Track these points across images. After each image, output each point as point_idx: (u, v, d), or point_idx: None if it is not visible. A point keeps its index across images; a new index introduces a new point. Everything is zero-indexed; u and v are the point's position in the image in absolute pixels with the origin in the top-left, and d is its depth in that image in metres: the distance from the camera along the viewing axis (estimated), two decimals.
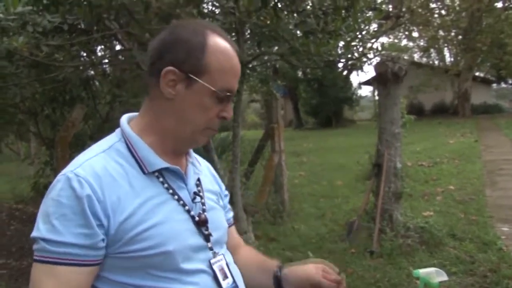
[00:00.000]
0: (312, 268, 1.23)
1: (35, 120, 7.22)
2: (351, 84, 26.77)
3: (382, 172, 5.19)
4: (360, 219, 5.36)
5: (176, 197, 1.08)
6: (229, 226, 1.32)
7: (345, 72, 25.92)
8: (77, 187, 0.97)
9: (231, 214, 1.38)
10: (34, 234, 0.98)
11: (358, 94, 28.49)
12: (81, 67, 4.98)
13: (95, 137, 9.66)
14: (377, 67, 5.27)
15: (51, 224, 0.96)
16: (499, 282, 3.86)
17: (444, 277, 1.36)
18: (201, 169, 1.23)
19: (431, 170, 9.24)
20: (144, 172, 1.06)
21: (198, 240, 1.09)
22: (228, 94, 1.07)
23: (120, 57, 5.83)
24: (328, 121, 25.05)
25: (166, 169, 1.09)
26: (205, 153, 5.40)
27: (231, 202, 4.89)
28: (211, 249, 1.12)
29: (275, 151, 6.89)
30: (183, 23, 1.17)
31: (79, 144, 8.33)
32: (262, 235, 5.82)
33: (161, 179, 1.08)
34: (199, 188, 1.17)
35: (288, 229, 6.09)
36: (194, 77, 1.04)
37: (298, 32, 4.36)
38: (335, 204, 7.26)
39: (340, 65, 22.27)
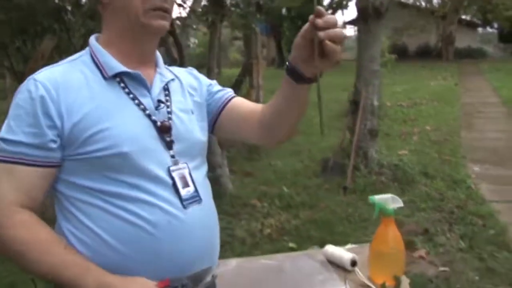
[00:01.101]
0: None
1: (6, 53, 6.94)
2: None
3: (359, 110, 5.18)
4: (336, 155, 5.39)
5: (136, 101, 1.07)
6: (229, 101, 1.24)
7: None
8: (33, 90, 1.00)
9: (224, 91, 1.27)
10: None
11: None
12: None
13: None
14: (358, 2, 5.13)
15: (9, 125, 1.01)
16: (464, 218, 3.97)
17: (399, 204, 1.36)
18: (171, 78, 1.18)
19: (410, 111, 9.29)
20: (104, 77, 1.06)
21: (158, 146, 1.07)
22: None
23: None
24: None
25: (128, 74, 1.07)
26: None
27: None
28: (172, 156, 1.09)
29: (253, 87, 6.81)
30: None
31: None
32: (238, 170, 5.84)
33: (122, 85, 1.07)
34: (167, 97, 1.14)
35: (264, 165, 6.13)
36: None
37: None
38: (312, 141, 7.27)
39: (325, 3, 21.70)
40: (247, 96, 7.02)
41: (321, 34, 0.90)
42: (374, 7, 5.06)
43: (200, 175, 1.16)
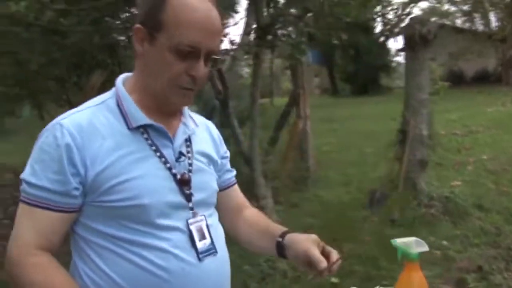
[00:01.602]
0: (314, 239, 1.20)
1: (64, 87, 7.33)
2: (388, 51, 25.96)
3: (407, 140, 5.03)
4: (383, 187, 5.24)
5: (158, 153, 1.09)
6: (230, 186, 1.34)
7: (382, 39, 25.14)
8: (59, 136, 1.02)
9: (231, 174, 1.36)
10: (21, 175, 1.04)
11: (396, 61, 27.62)
12: (93, 33, 4.94)
13: None
14: (404, 30, 5.04)
15: (33, 168, 1.03)
16: None
17: (424, 248, 1.27)
18: (194, 129, 1.21)
19: (465, 139, 8.91)
20: (129, 127, 1.08)
21: (178, 199, 1.09)
22: (191, 49, 1.04)
23: None
24: (364, 88, 24.48)
25: (151, 126, 1.10)
26: (225, 118, 5.36)
27: (251, 168, 4.89)
28: (191, 209, 1.11)
29: (299, 117, 6.79)
30: None
31: None
32: (284, 201, 5.79)
33: (145, 135, 1.09)
34: (188, 148, 1.16)
35: (311, 196, 6.05)
36: (154, 33, 1.04)
37: None
38: (362, 171, 7.13)
39: (377, 30, 21.59)
40: (294, 126, 7.01)
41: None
42: (421, 35, 4.96)
43: (215, 221, 1.20)
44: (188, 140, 1.18)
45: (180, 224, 1.08)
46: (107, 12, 5.28)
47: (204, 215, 1.14)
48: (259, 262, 4.04)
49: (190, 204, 1.11)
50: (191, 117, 1.23)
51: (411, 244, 1.28)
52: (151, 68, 1.07)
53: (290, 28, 5.05)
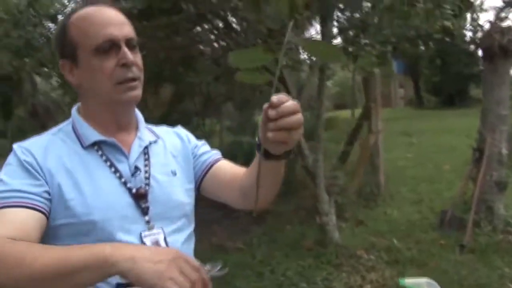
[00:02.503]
0: None
1: (145, 102, 7.69)
2: (477, 60, 24.46)
3: (483, 159, 4.71)
4: (455, 208, 4.93)
5: (113, 169, 1.11)
6: (213, 164, 1.28)
7: (471, 47, 23.74)
8: (19, 153, 1.06)
9: (209, 154, 1.31)
10: None
11: None
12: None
13: (200, 113, 10.06)
14: (482, 40, 4.73)
15: (1, 181, 1.03)
16: None
17: None
18: (154, 141, 1.22)
19: None
20: (83, 146, 1.11)
21: (133, 213, 1.09)
22: (108, 43, 1.06)
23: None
24: (450, 100, 23.31)
25: (104, 142, 1.12)
26: None
27: (314, 183, 4.80)
28: (147, 222, 1.10)
29: (371, 131, 6.58)
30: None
31: (185, 120, 8.74)
32: (350, 218, 5.63)
33: (99, 152, 1.11)
34: (146, 161, 1.16)
35: (379, 214, 5.83)
36: (73, 55, 1.09)
37: None
38: (436, 189, 6.76)
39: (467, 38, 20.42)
40: (365, 140, 6.81)
41: (271, 125, 0.87)
42: (500, 46, 4.63)
43: (180, 238, 1.15)
44: (146, 154, 1.18)
45: (135, 238, 1.06)
46: (181, 27, 5.47)
47: (161, 228, 1.11)
48: (316, 281, 3.97)
49: (147, 218, 1.10)
50: (151, 130, 1.25)
51: (422, 286, 1.18)
52: (90, 85, 1.10)
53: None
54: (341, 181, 6.04)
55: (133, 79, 1.10)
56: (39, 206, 1.01)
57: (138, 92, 1.12)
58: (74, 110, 1.19)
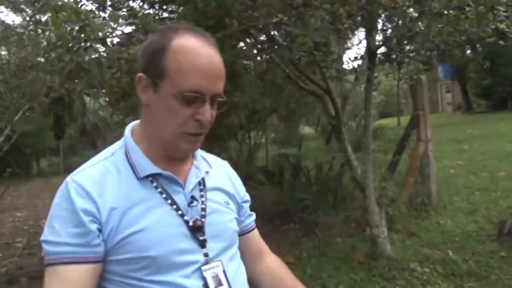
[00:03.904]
0: None
1: None
2: None
3: None
4: None
5: (169, 201, 1.08)
6: (251, 231, 1.32)
7: None
8: (71, 190, 1.03)
9: (251, 218, 1.34)
10: (41, 238, 1.03)
11: None
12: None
13: (246, 127, 10.12)
14: None
15: (52, 227, 1.02)
16: None
17: None
18: (209, 171, 1.21)
19: None
20: (137, 177, 1.08)
21: (191, 246, 1.08)
22: (196, 95, 1.03)
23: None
24: (502, 103, 22.43)
25: (160, 174, 1.10)
26: (338, 142, 5.27)
27: (364, 195, 4.73)
28: (206, 255, 1.09)
29: (420, 139, 6.43)
30: (162, 27, 1.15)
31: (231, 134, 8.81)
32: (402, 229, 5.50)
33: (154, 184, 1.09)
34: (202, 192, 1.15)
35: (432, 224, 5.66)
36: (157, 81, 1.05)
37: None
38: (492, 198, 6.50)
39: None
40: (414, 150, 6.66)
41: None
42: None
43: (235, 265, 1.16)
44: (201, 184, 1.16)
45: (194, 273, 1.06)
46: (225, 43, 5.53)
47: (220, 261, 1.11)
48: None
49: (205, 250, 1.09)
50: (204, 159, 1.23)
51: None
52: (157, 116, 1.07)
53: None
54: (391, 192, 5.91)
55: (200, 134, 1.09)
56: (91, 258, 1.01)
57: (197, 146, 1.13)
58: (128, 133, 1.15)
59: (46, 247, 1.01)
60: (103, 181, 1.05)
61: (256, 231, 1.35)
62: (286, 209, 7.06)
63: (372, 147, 5.84)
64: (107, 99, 7.68)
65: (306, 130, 17.14)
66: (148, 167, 1.09)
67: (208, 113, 1.06)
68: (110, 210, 1.02)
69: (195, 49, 1.04)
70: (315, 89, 5.22)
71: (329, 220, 6.25)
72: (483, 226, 5.31)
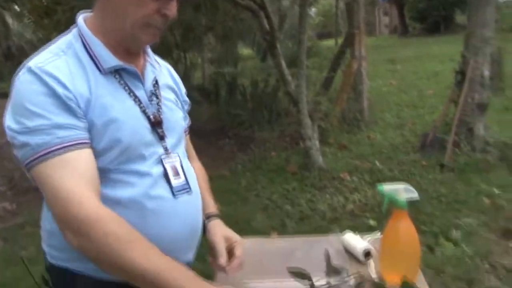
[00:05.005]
0: (227, 236, 1.23)
1: None
2: None
3: (465, 81, 4.73)
4: (436, 130, 5.01)
5: (132, 96, 1.08)
6: (186, 133, 1.33)
7: None
8: (46, 77, 0.95)
9: (187, 120, 1.34)
10: (17, 137, 0.94)
11: None
12: None
13: (181, 46, 9.82)
14: None
15: (30, 112, 0.93)
16: None
17: (414, 195, 1.19)
18: (159, 69, 1.20)
19: None
20: (101, 71, 1.04)
21: (153, 139, 1.09)
22: None
23: None
24: (436, 27, 23.03)
25: (123, 69, 1.07)
26: (273, 58, 5.26)
27: (297, 109, 4.81)
28: (165, 148, 1.11)
29: (354, 57, 6.53)
30: None
31: (165, 53, 8.53)
32: (334, 143, 5.72)
33: (117, 78, 1.06)
34: (156, 89, 1.15)
35: (363, 138, 5.92)
36: None
37: None
38: (419, 114, 6.85)
39: None
40: (348, 67, 6.78)
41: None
42: None
43: (188, 166, 1.20)
44: (155, 80, 1.15)
45: (155, 163, 1.08)
46: None
47: (177, 154, 1.15)
48: (300, 203, 4.06)
49: (164, 143, 1.11)
50: (154, 57, 1.21)
51: (400, 190, 1.20)
52: (119, 7, 1.01)
53: None
54: (324, 106, 6.07)
55: (160, 29, 1.06)
56: (87, 140, 0.98)
57: (156, 39, 1.09)
58: (83, 23, 1.07)
59: (31, 138, 0.93)
60: (72, 73, 0.99)
61: (188, 137, 1.36)
62: (222, 126, 7.10)
63: (308, 64, 5.89)
64: (31, 17, 7.17)
65: (245, 52, 16.96)
66: (111, 60, 1.04)
67: (175, 9, 1.04)
68: (86, 101, 0.98)
69: None
70: (250, 5, 5.10)
71: (264, 135, 6.36)
72: (409, 139, 5.63)
